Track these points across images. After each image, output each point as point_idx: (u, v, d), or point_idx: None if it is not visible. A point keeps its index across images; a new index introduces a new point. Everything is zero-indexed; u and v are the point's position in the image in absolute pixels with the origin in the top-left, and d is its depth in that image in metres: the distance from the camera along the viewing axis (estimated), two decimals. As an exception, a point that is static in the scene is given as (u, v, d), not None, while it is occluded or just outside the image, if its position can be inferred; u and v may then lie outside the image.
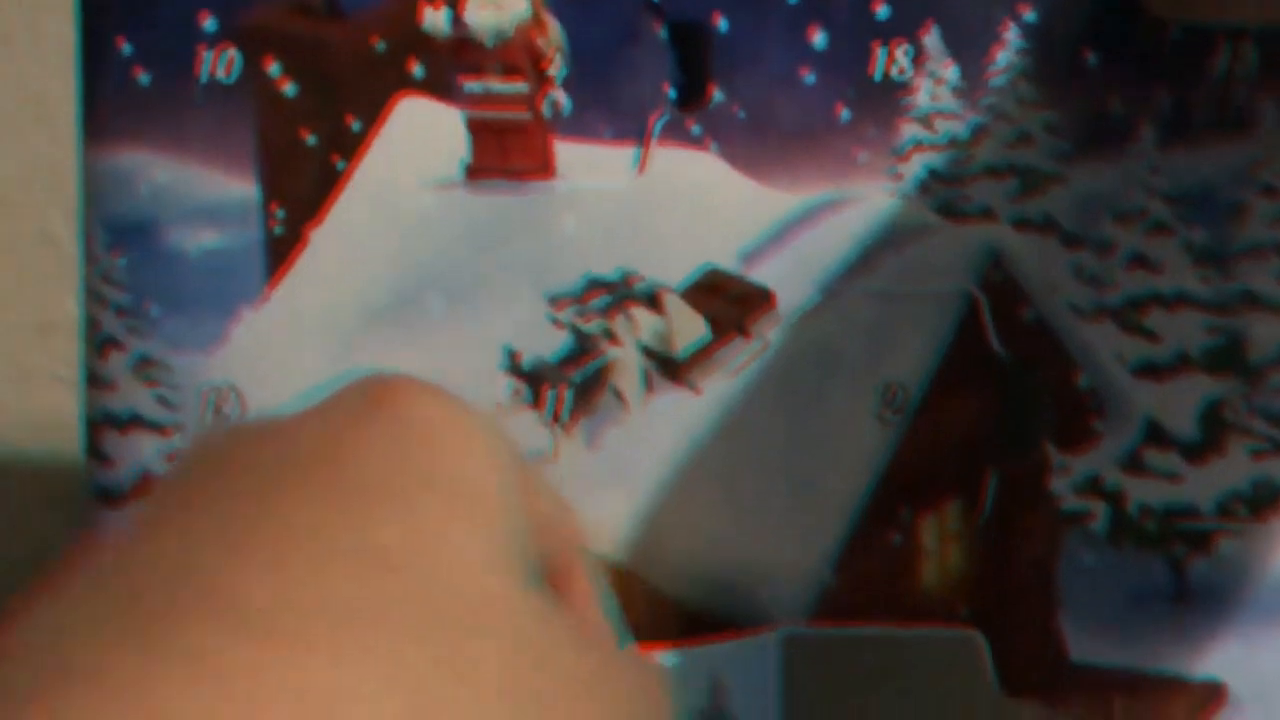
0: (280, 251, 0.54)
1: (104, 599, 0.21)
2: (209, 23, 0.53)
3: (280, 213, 0.54)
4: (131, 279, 0.53)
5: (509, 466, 0.25)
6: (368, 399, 0.25)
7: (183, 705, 0.19)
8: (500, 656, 0.22)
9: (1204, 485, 0.54)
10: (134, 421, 0.53)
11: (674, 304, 0.54)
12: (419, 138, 0.54)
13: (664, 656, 0.52)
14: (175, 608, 0.20)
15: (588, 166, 0.54)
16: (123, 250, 0.53)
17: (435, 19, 0.54)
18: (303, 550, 0.22)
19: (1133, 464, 0.54)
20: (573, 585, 0.28)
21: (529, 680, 0.22)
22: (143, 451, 0.53)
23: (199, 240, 0.54)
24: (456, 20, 0.54)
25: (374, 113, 0.54)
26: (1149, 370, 0.54)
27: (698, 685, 0.53)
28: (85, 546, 0.22)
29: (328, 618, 0.21)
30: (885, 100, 0.54)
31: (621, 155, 0.54)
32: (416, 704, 0.20)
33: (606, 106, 0.54)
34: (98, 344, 0.53)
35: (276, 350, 0.54)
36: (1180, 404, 0.54)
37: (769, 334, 0.54)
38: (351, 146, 0.54)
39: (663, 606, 0.53)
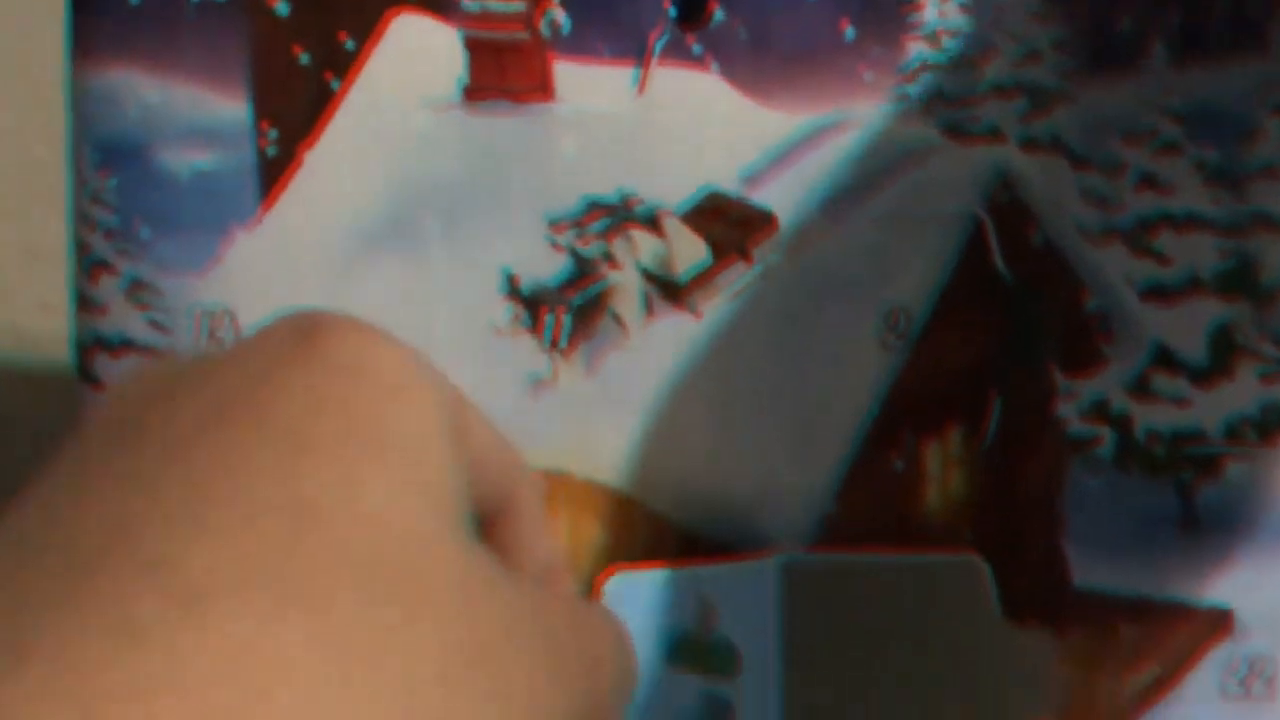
0: (274, 172, 0.53)
1: (34, 564, 0.20)
2: (199, -62, 0.52)
3: (273, 133, 0.53)
4: (121, 200, 0.53)
5: (446, 407, 0.24)
6: (294, 340, 0.23)
7: (125, 678, 0.18)
8: (435, 613, 0.22)
9: (1212, 409, 0.53)
10: (126, 345, 0.53)
11: (674, 227, 0.53)
12: (415, 56, 0.53)
13: (652, 575, 0.52)
14: (109, 575, 0.20)
15: (587, 86, 0.54)
16: (112, 171, 0.53)
17: (430, -66, 0.53)
18: (228, 508, 0.21)
19: (1140, 388, 0.53)
20: (518, 526, 0.27)
21: (464, 637, 0.22)
22: (136, 375, 0.53)
23: (190, 160, 0.53)
24: (451, -65, 0.53)
25: (368, 30, 0.53)
26: (1158, 293, 0.53)
27: (686, 607, 0.52)
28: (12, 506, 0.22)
29: (257, 580, 0.20)
30: (891, 17, 0.53)
31: (621, 75, 0.53)
32: (350, 669, 0.20)
33: (605, 25, 0.53)
34: (87, 267, 0.53)
35: (270, 272, 0.53)
36: (1189, 327, 0.53)
37: (770, 257, 0.53)
38: (345, 65, 0.53)
39: (662, 532, 0.53)
